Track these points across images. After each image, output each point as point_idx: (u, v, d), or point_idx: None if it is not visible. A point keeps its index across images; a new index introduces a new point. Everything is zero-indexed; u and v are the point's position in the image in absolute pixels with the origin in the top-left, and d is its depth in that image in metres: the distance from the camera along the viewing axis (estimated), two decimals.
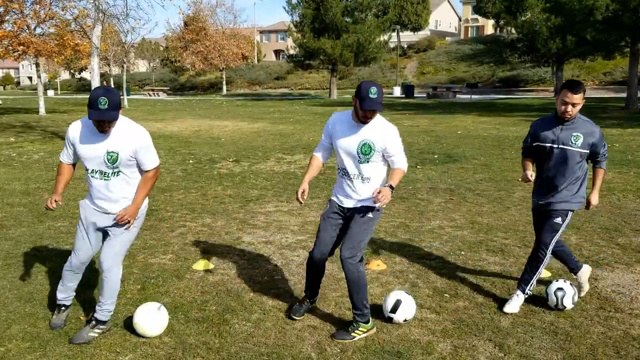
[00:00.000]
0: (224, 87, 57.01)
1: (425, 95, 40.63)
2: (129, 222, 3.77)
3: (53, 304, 4.45)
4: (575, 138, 4.12)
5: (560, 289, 4.24)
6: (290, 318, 4.17)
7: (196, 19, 52.87)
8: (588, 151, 4.15)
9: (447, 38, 66.68)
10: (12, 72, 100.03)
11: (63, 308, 4.13)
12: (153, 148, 3.80)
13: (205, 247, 5.94)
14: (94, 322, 3.90)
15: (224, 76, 56.66)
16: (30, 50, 22.95)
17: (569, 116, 4.07)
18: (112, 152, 3.64)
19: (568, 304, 4.22)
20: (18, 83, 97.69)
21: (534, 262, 4.34)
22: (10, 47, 22.60)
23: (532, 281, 4.33)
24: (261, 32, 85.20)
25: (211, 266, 5.35)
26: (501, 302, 4.46)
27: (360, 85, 3.71)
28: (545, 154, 4.24)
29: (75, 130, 3.73)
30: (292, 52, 45.17)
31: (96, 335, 3.87)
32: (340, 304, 4.45)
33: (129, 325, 4.02)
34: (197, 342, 3.85)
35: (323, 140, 4.09)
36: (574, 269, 4.58)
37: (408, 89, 41.26)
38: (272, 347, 3.77)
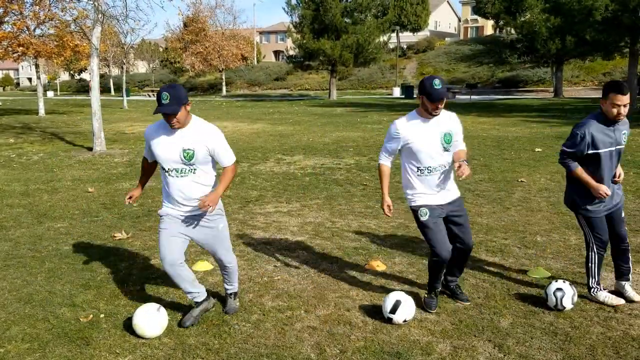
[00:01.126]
0: (224, 88, 57.02)
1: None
2: (209, 207, 3.82)
3: (52, 305, 4.45)
4: (624, 135, 4.20)
5: (559, 289, 4.23)
6: (427, 311, 4.30)
7: (196, 20, 52.88)
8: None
9: (446, 39, 66.71)
10: (11, 73, 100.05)
11: (196, 304, 4.16)
12: (227, 144, 3.97)
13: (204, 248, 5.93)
14: (233, 295, 4.39)
15: (223, 77, 56.67)
16: (30, 52, 22.96)
17: (622, 118, 4.07)
18: (188, 149, 3.79)
19: (567, 304, 4.22)
20: (18, 84, 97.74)
21: (626, 255, 4.44)
22: (10, 48, 22.61)
23: (631, 268, 4.48)
24: (261, 33, 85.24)
25: (211, 267, 5.35)
26: (500, 302, 4.46)
27: (423, 82, 3.94)
28: (606, 159, 4.16)
29: (150, 131, 3.91)
30: (291, 52, 45.18)
31: (238, 304, 4.38)
32: (340, 305, 4.45)
33: (128, 326, 4.02)
34: (197, 343, 3.85)
35: (390, 148, 4.11)
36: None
37: (407, 90, 41.27)
38: (271, 348, 3.77)
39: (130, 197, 4.13)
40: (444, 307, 4.40)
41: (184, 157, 3.80)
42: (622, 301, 4.34)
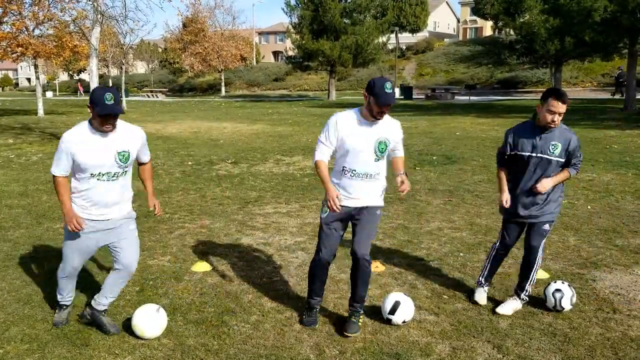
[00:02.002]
0: (223, 89, 57.01)
1: (423, 97, 40.65)
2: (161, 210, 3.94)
3: (52, 306, 4.45)
4: (553, 147, 4.06)
5: (558, 290, 4.24)
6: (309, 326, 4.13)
7: (195, 21, 52.86)
8: (564, 160, 4.11)
9: (445, 39, 66.73)
10: (10, 74, 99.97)
11: (64, 308, 4.18)
12: None
13: (204, 249, 5.94)
14: (105, 313, 4.09)
15: (222, 77, 56.65)
16: (29, 52, 22.95)
17: (554, 126, 4.01)
18: (124, 151, 3.73)
19: (566, 305, 4.23)
20: (17, 84, 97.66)
21: (526, 269, 4.34)
22: (9, 49, 22.60)
23: (526, 287, 4.35)
24: (260, 33, 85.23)
25: (210, 268, 5.36)
26: (499, 303, 4.47)
27: (373, 81, 3.73)
28: (524, 163, 4.15)
29: (73, 139, 3.62)
30: (290, 53, 45.19)
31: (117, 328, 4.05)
32: (339, 306, 4.45)
33: (127, 327, 4.02)
34: (196, 343, 3.85)
35: (328, 143, 3.88)
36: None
37: (406, 91, 41.25)
38: (270, 349, 3.78)
39: (82, 224, 3.73)
40: (443, 308, 4.41)
41: (120, 160, 3.71)
42: (483, 303, 4.45)
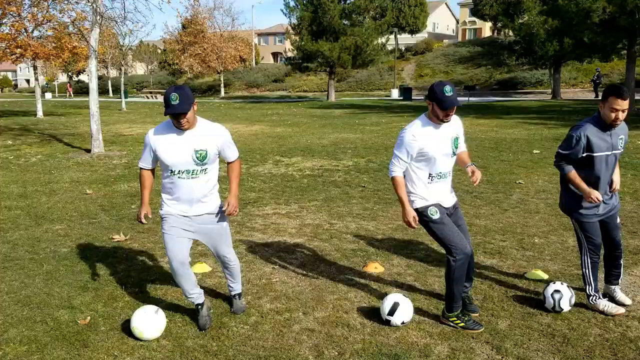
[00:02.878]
0: (222, 90, 57.02)
1: (423, 98, 40.66)
2: (236, 211, 4.05)
3: (50, 307, 4.45)
4: (620, 141, 4.16)
5: (557, 291, 4.24)
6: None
7: (194, 22, 52.86)
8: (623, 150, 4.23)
9: (444, 40, 66.80)
10: (9, 75, 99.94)
11: (199, 306, 4.15)
12: (233, 142, 4.07)
13: (203, 250, 5.93)
14: (238, 296, 4.40)
15: (221, 79, 56.67)
16: (28, 53, 22.94)
17: (619, 123, 4.03)
18: (200, 149, 3.80)
19: (565, 306, 4.23)
20: (16, 86, 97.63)
21: (618, 261, 4.43)
22: (8, 50, 22.58)
23: (621, 274, 4.50)
24: (259, 34, 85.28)
25: (209, 269, 5.35)
26: (497, 304, 4.47)
27: (433, 88, 3.79)
28: (601, 163, 4.12)
29: (156, 134, 3.83)
30: (290, 54, 45.20)
31: (245, 304, 4.42)
32: (338, 307, 4.45)
33: (126, 328, 4.02)
34: (195, 345, 3.85)
35: (405, 157, 3.91)
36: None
37: (406, 92, 41.27)
38: (269, 350, 3.78)
39: (145, 215, 4.00)
40: (441, 309, 4.40)
41: (197, 158, 3.80)
42: (621, 310, 4.25)
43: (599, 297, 4.34)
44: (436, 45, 60.86)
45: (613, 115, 3.97)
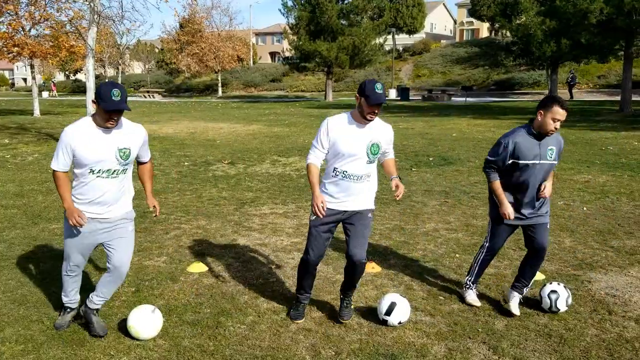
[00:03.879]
0: (220, 89, 56.96)
1: (420, 98, 40.68)
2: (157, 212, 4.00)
3: (47, 306, 4.44)
4: (550, 151, 4.12)
5: (554, 291, 4.25)
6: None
7: (192, 21, 52.81)
8: (556, 162, 4.20)
9: (442, 41, 66.82)
10: (6, 74, 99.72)
11: (68, 310, 4.13)
12: None
13: (200, 250, 5.93)
14: (97, 312, 4.04)
15: (219, 78, 56.61)
16: (25, 52, 22.88)
17: (553, 133, 4.05)
18: (125, 148, 3.69)
19: (562, 306, 4.23)
20: (13, 84, 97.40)
21: (534, 269, 4.36)
22: (5, 49, 22.52)
23: (530, 283, 4.41)
24: (257, 34, 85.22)
25: (206, 269, 5.35)
26: (495, 304, 4.47)
27: (365, 83, 3.78)
28: (527, 171, 4.13)
29: (74, 134, 3.60)
30: (287, 54, 45.17)
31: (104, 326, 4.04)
32: (335, 307, 4.44)
33: (123, 327, 4.01)
34: (192, 344, 3.84)
35: (320, 147, 3.93)
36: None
37: (403, 92, 41.29)
38: (266, 350, 3.77)
39: (82, 219, 3.67)
40: (438, 309, 4.41)
41: (121, 157, 3.67)
42: (477, 304, 4.45)
43: (471, 289, 4.55)
44: (434, 46, 60.89)
45: (553, 125, 3.99)
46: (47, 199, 8.53)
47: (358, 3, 39.46)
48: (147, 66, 72.81)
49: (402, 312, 4.04)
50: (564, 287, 4.31)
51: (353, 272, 4.06)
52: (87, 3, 13.60)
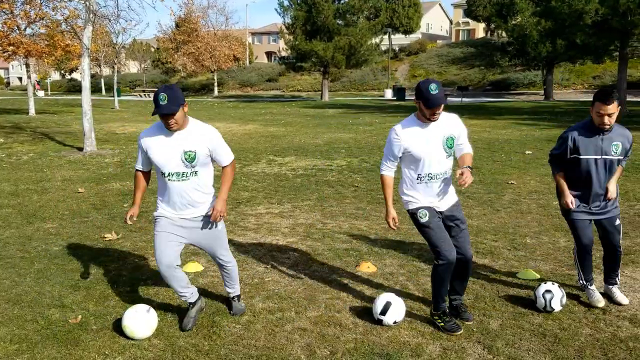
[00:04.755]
0: (216, 89, 56.91)
1: (413, 98, 40.71)
2: (222, 217, 3.93)
3: (41, 306, 4.43)
4: (615, 147, 4.14)
5: (548, 291, 4.26)
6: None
7: (188, 21, 52.69)
8: (623, 158, 4.23)
9: (438, 41, 66.93)
10: (1, 73, 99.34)
11: (190, 305, 4.13)
12: (226, 144, 3.95)
13: (196, 249, 5.92)
14: (237, 298, 4.36)
15: (215, 78, 56.55)
16: (20, 51, 22.82)
17: (607, 127, 4.05)
18: (190, 151, 3.73)
19: (556, 306, 4.25)
20: (8, 83, 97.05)
21: (617, 262, 4.45)
22: (0, 48, 22.45)
23: (619, 273, 4.52)
24: (253, 33, 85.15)
25: (201, 268, 5.34)
26: (489, 303, 4.48)
27: (419, 86, 3.75)
28: (589, 166, 4.17)
29: (145, 135, 3.81)
30: (284, 54, 45.16)
31: (244, 305, 4.38)
32: (330, 306, 4.45)
33: (118, 327, 4.00)
34: (187, 344, 3.84)
35: (392, 157, 3.93)
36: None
37: (399, 92, 41.38)
38: (261, 350, 3.77)
39: (130, 217, 3.98)
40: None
41: (186, 160, 3.74)
42: (601, 304, 4.40)
43: (588, 287, 4.51)
44: (430, 46, 60.98)
45: (599, 119, 4.04)
46: (42, 198, 8.51)
47: (354, 3, 39.49)
48: (143, 65, 72.58)
49: (397, 312, 4.05)
50: (559, 286, 4.32)
51: (464, 271, 4.12)
52: (83, 2, 13.56)
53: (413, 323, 4.16)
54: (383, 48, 49.19)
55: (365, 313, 4.30)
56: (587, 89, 42.16)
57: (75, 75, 75.46)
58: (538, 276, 5.07)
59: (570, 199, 4.22)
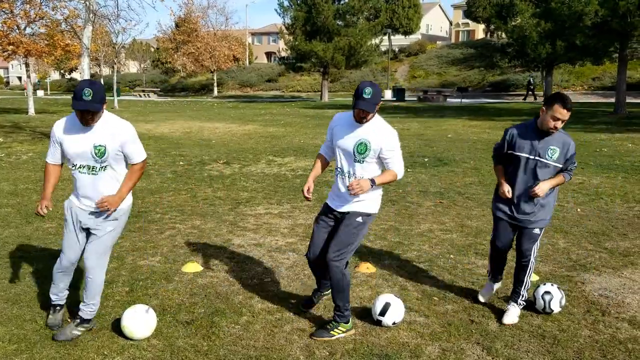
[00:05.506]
0: (215, 89, 56.89)
1: (416, 99, 40.75)
2: (108, 210, 3.73)
3: (40, 306, 4.42)
4: (552, 152, 4.04)
5: (547, 292, 4.26)
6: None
7: (187, 21, 52.71)
8: (561, 165, 4.08)
9: (438, 42, 66.95)
10: (1, 72, 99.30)
11: (58, 308, 4.12)
12: (139, 141, 3.84)
13: (195, 250, 5.92)
14: (78, 321, 3.92)
15: (215, 78, 56.54)
16: (20, 50, 22.82)
17: (554, 131, 3.99)
18: (100, 145, 3.67)
19: (555, 307, 4.25)
20: (7, 83, 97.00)
21: (521, 273, 4.29)
22: (0, 47, 22.45)
23: (522, 291, 4.28)
24: (253, 34, 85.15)
25: (200, 268, 5.34)
26: (489, 305, 4.48)
27: (359, 85, 3.78)
28: (520, 164, 4.13)
29: (60, 127, 3.77)
30: (283, 54, 45.16)
31: (79, 333, 3.90)
32: (329, 307, 4.44)
33: (116, 327, 4.00)
34: (186, 344, 3.84)
35: (327, 140, 4.15)
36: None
37: (399, 93, 41.36)
38: (260, 350, 3.77)
39: (44, 207, 3.86)
40: (433, 310, 4.42)
41: (96, 154, 3.67)
42: (481, 299, 4.54)
43: (488, 279, 4.58)
44: (429, 47, 60.97)
45: (552, 123, 3.94)
46: None
47: (354, 4, 39.49)
48: (142, 65, 72.65)
49: (396, 313, 4.04)
50: (558, 288, 4.33)
51: (330, 275, 3.92)
52: (83, 2, 13.56)
53: (412, 324, 4.16)
54: (383, 49, 49.21)
55: (364, 314, 4.30)
56: (587, 90, 42.17)
57: (75, 75, 75.46)
58: (537, 277, 5.07)
59: (507, 188, 4.17)
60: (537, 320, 4.21)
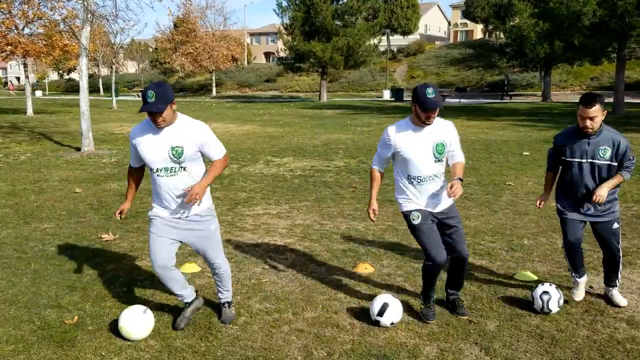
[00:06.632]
0: (214, 89, 56.88)
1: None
2: (196, 200, 3.75)
3: (38, 307, 4.41)
4: (603, 151, 4.13)
5: (545, 292, 4.26)
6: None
7: (186, 21, 52.67)
8: (616, 163, 4.17)
9: (436, 42, 66.98)
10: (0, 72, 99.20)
11: (187, 305, 4.14)
12: (216, 137, 3.92)
13: (193, 250, 5.90)
14: (227, 305, 4.26)
15: (213, 78, 56.53)
16: (18, 51, 22.79)
17: (590, 131, 4.07)
18: (177, 146, 3.72)
19: (554, 307, 4.25)
20: (5, 83, 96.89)
21: (615, 266, 4.46)
22: None
23: (618, 275, 4.50)
24: (251, 34, 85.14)
25: (198, 269, 5.33)
26: (487, 305, 4.48)
27: (416, 89, 3.83)
28: (574, 169, 4.22)
29: (135, 132, 3.82)
30: (282, 54, 45.19)
31: (234, 313, 4.28)
32: (328, 307, 4.44)
33: (114, 328, 3.99)
34: (183, 345, 3.83)
35: (382, 154, 4.09)
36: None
37: (397, 93, 41.37)
38: (258, 351, 3.76)
39: (120, 212, 4.02)
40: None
41: (173, 155, 3.72)
42: (578, 298, 4.53)
43: (575, 279, 4.57)
44: (428, 47, 61.00)
45: (581, 123, 4.08)
46: (40, 198, 8.49)
47: (353, 4, 39.52)
48: (141, 66, 72.57)
49: (394, 313, 4.04)
50: (556, 288, 4.33)
51: (460, 270, 4.24)
52: (81, 2, 13.54)
53: (410, 324, 4.15)
54: (381, 49, 49.23)
55: (362, 314, 4.29)
56: (585, 90, 42.21)
57: (73, 75, 75.41)
58: (535, 277, 5.07)
59: (541, 199, 4.43)
60: (536, 320, 4.20)
